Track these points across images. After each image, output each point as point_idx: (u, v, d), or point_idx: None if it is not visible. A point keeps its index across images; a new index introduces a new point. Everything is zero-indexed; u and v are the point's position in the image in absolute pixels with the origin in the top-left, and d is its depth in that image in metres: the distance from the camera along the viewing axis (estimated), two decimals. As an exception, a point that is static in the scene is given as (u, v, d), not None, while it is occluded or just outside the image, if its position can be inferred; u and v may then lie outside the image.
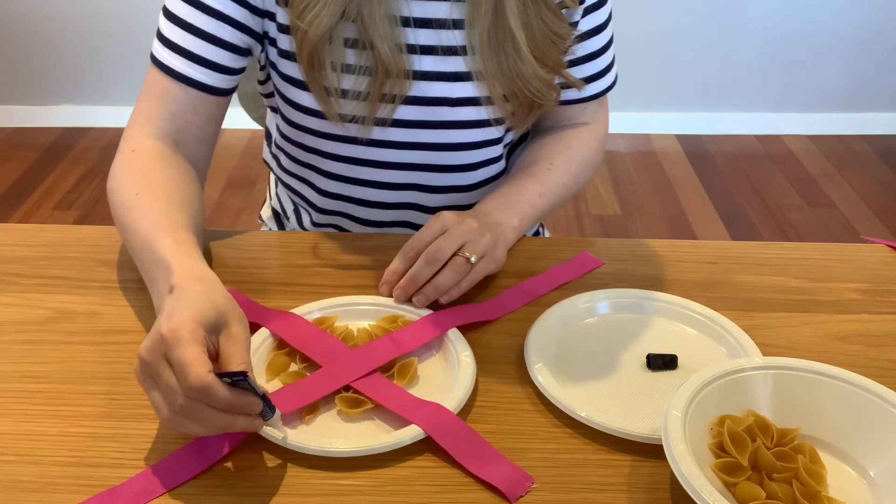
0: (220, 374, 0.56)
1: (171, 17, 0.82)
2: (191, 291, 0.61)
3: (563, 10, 0.85)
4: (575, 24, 0.88)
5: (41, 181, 2.65)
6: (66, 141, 2.90)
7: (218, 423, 0.57)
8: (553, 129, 0.97)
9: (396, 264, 0.76)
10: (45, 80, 2.96)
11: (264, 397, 0.58)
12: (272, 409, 0.59)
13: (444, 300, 0.75)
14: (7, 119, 3.00)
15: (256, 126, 1.19)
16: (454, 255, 0.76)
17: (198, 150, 0.85)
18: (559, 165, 0.91)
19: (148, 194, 0.75)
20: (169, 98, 0.82)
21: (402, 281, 0.75)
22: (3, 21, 2.87)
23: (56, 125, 2.99)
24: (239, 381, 0.56)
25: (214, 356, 0.60)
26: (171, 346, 0.55)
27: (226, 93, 0.85)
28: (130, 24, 2.82)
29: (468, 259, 0.75)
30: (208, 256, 0.85)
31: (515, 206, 0.85)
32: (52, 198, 2.55)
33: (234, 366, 0.58)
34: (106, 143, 2.88)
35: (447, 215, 0.78)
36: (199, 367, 0.54)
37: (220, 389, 0.55)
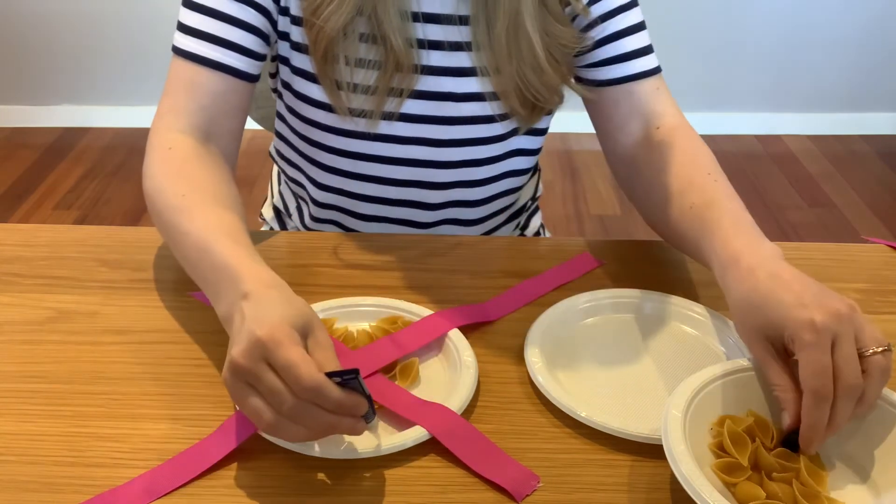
0: (330, 374, 0.54)
1: (192, 5, 0.80)
2: (269, 298, 0.59)
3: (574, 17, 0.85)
4: (588, 24, 0.86)
5: (41, 181, 2.65)
6: (66, 141, 2.90)
7: (324, 423, 0.55)
8: (649, 138, 0.86)
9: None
10: (45, 80, 2.96)
11: (369, 398, 0.56)
12: (374, 411, 0.57)
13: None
14: (7, 119, 3.00)
15: (257, 126, 1.19)
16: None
17: (228, 143, 0.83)
18: (714, 171, 0.79)
19: (195, 196, 0.72)
20: (197, 88, 0.80)
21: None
22: (3, 21, 2.87)
23: (56, 125, 2.99)
24: (349, 380, 0.54)
25: None
26: (272, 349, 0.54)
27: (252, 78, 0.83)
28: (131, 24, 2.82)
29: (883, 351, 0.58)
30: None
31: (752, 228, 0.71)
32: (52, 198, 2.55)
33: (331, 369, 0.56)
34: (106, 143, 2.87)
35: (820, 322, 0.57)
36: (309, 367, 0.53)
37: (333, 389, 0.54)
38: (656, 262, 0.86)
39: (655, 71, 0.88)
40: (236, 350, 0.55)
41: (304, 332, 0.58)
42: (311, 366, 0.54)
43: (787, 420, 0.59)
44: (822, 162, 2.86)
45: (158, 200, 0.74)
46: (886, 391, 0.61)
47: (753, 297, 0.63)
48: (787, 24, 2.88)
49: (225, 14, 0.80)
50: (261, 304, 0.58)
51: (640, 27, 0.89)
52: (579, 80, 0.90)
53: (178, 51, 0.80)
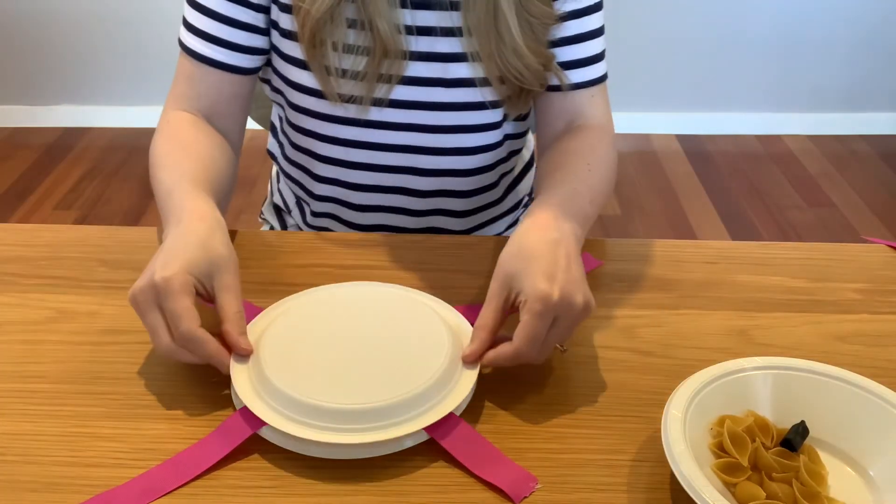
0: None
1: (193, 4, 0.87)
2: (190, 234, 0.67)
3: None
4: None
5: (41, 181, 2.65)
6: (66, 141, 2.90)
7: (191, 361, 0.64)
8: (569, 129, 0.91)
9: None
10: (45, 80, 2.96)
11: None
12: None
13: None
14: (7, 119, 3.00)
15: (257, 126, 1.19)
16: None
17: (227, 124, 0.90)
18: (596, 166, 0.86)
19: (176, 153, 0.81)
20: (195, 79, 0.88)
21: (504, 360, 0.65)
22: (3, 21, 2.87)
23: (56, 125, 2.99)
24: None
25: (209, 298, 0.66)
26: (163, 296, 0.62)
27: (247, 71, 0.89)
28: (130, 24, 2.82)
29: (562, 350, 0.70)
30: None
31: (577, 216, 0.76)
32: (52, 198, 2.55)
33: (228, 313, 0.64)
34: (106, 143, 2.87)
35: (554, 301, 0.63)
36: (189, 321, 0.61)
37: (204, 344, 0.62)
38: (656, 262, 0.86)
39: (599, 80, 0.91)
40: (139, 282, 0.63)
41: (210, 274, 0.65)
42: (193, 321, 0.61)
43: (470, 348, 0.66)
44: (822, 162, 2.86)
45: (150, 161, 0.82)
46: (886, 391, 0.61)
47: (524, 249, 0.68)
48: (787, 24, 2.88)
49: (220, 14, 0.85)
50: (178, 241, 0.66)
51: (598, 32, 0.90)
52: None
53: (181, 44, 0.88)
